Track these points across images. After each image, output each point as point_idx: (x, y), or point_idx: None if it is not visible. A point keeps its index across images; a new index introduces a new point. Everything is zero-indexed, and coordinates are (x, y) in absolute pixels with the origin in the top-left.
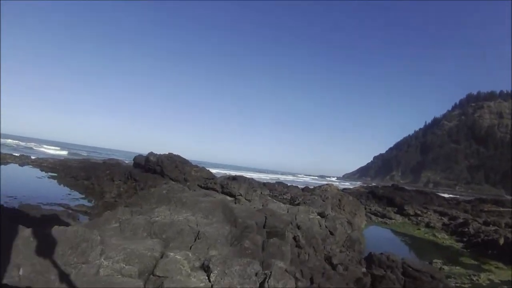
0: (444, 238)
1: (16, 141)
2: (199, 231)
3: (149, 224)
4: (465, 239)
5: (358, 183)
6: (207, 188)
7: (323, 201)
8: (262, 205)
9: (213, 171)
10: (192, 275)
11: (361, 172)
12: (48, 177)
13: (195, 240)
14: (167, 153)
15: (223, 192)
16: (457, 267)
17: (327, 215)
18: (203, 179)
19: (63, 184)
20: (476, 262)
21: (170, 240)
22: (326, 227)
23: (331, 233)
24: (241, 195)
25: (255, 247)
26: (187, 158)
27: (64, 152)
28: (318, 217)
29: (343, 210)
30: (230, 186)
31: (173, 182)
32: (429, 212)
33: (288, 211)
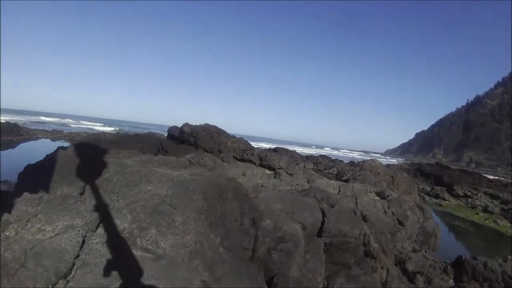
0: (506, 227)
1: (54, 118)
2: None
3: None
4: None
5: (400, 160)
6: (243, 160)
7: (375, 177)
8: (307, 181)
9: (254, 144)
10: None
11: (403, 149)
12: None
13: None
14: (203, 123)
15: (261, 165)
16: None
17: (388, 196)
18: (241, 150)
19: None
20: None
21: None
22: (393, 214)
23: (401, 223)
24: (281, 168)
25: None
26: (230, 132)
27: (106, 128)
28: (378, 198)
29: (397, 188)
30: (270, 158)
31: (207, 154)
32: (479, 194)
33: (339, 190)
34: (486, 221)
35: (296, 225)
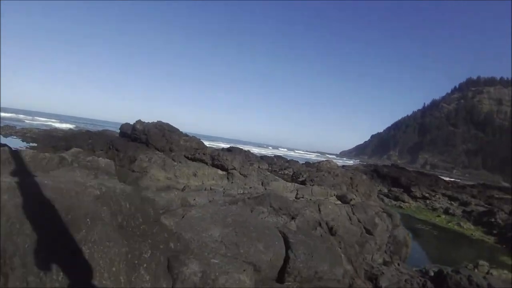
0: (471, 229)
1: (10, 114)
2: None
3: None
4: (494, 232)
5: (355, 161)
6: (195, 160)
7: (333, 179)
8: (262, 183)
9: (209, 143)
10: None
11: (358, 150)
12: (27, 147)
13: None
14: (156, 121)
15: (213, 165)
16: (504, 271)
17: (351, 200)
18: (193, 149)
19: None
20: None
21: None
22: (359, 221)
23: (369, 232)
24: (235, 168)
25: None
26: (183, 131)
27: (61, 124)
28: (339, 202)
29: (357, 190)
30: (222, 158)
31: (158, 153)
32: (437, 196)
33: (297, 193)
34: (449, 224)
35: (241, 274)
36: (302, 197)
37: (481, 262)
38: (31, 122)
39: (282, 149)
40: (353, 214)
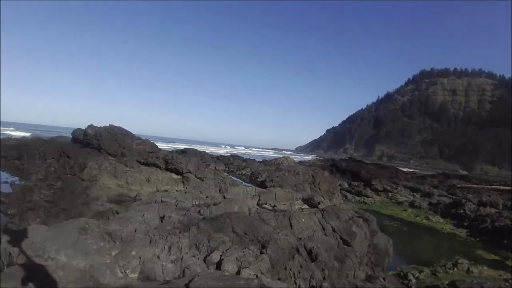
0: (440, 222)
1: None
2: None
3: None
4: (465, 224)
5: (311, 157)
6: (147, 165)
7: (295, 177)
8: (220, 190)
9: (164, 145)
10: None
11: (314, 145)
12: None
13: None
14: (108, 124)
15: (167, 169)
16: (485, 268)
17: (319, 203)
18: (146, 153)
19: None
20: (497, 257)
21: None
22: (333, 230)
23: (346, 243)
24: (190, 172)
25: None
26: (137, 134)
27: (16, 132)
28: (306, 206)
29: (319, 189)
30: (176, 161)
31: (110, 158)
32: (399, 188)
33: (260, 199)
34: (417, 218)
35: None
36: (265, 203)
37: (460, 260)
38: None
39: (239, 148)
40: (326, 222)
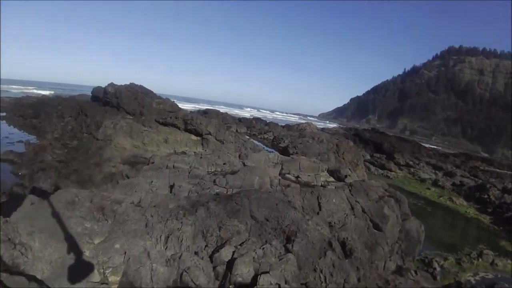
0: (464, 206)
1: None
2: None
3: None
4: (489, 210)
5: (334, 124)
6: (166, 124)
7: (318, 145)
8: (239, 156)
9: (186, 105)
10: None
11: (337, 113)
12: None
13: None
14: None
15: (186, 130)
16: (509, 261)
17: (346, 177)
18: (166, 112)
19: (12, 123)
20: None
21: None
22: (363, 211)
23: (377, 227)
24: (210, 133)
25: None
26: (164, 95)
27: (38, 91)
28: (332, 180)
29: (343, 158)
30: (196, 122)
31: (127, 117)
32: (421, 164)
33: (283, 168)
34: (441, 199)
35: None
36: (288, 173)
37: (485, 251)
38: (6, 90)
39: (264, 111)
40: (356, 201)
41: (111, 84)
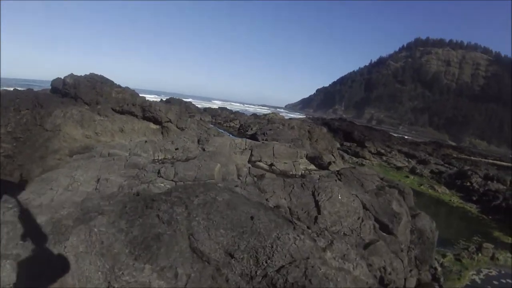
0: (446, 194)
1: None
2: None
3: None
4: (474, 198)
5: (301, 115)
6: (122, 113)
7: (290, 131)
8: (198, 140)
9: (151, 97)
10: None
11: (304, 104)
12: None
13: None
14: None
15: (144, 118)
16: (508, 254)
17: (329, 163)
18: (126, 101)
19: None
20: None
21: None
22: (365, 207)
23: (387, 230)
24: (170, 121)
25: None
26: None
27: None
28: (314, 167)
29: (317, 145)
30: (155, 109)
31: (79, 107)
32: (393, 152)
33: (252, 154)
34: (422, 187)
35: None
36: (259, 160)
37: (484, 244)
38: None
39: (234, 104)
40: (350, 193)
41: (70, 75)
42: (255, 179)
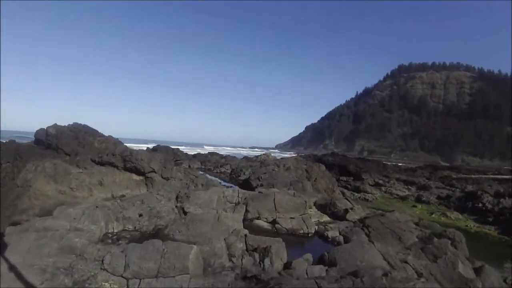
0: (460, 219)
1: None
2: None
3: None
4: (489, 219)
5: (292, 154)
6: (102, 164)
7: (287, 173)
8: (177, 198)
9: (137, 146)
10: None
11: (294, 142)
12: None
13: None
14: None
15: (126, 168)
16: None
17: (347, 211)
18: (106, 151)
19: None
20: None
21: None
22: (420, 276)
23: None
24: (154, 171)
25: None
26: (119, 138)
27: None
28: (329, 219)
29: (318, 185)
30: (137, 158)
31: (64, 159)
32: (391, 181)
33: (248, 211)
34: (433, 216)
35: None
36: (258, 217)
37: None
38: None
39: (226, 148)
40: (389, 255)
41: (54, 125)
42: (256, 257)
